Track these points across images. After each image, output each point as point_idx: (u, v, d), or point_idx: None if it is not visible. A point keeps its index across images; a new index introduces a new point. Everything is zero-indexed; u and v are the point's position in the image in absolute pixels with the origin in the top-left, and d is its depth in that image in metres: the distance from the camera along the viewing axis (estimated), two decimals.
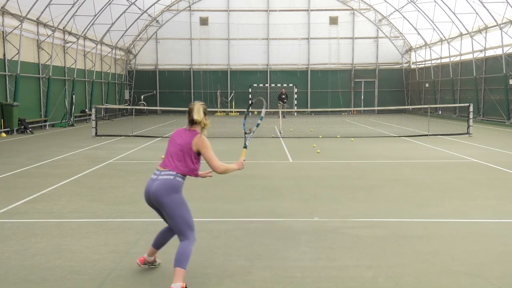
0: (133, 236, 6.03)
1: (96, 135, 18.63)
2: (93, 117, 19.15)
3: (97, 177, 10.15)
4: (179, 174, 4.40)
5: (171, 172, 4.37)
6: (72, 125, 25.09)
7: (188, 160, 4.42)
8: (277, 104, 32.06)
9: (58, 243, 5.74)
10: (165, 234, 4.78)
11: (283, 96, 31.84)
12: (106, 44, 31.87)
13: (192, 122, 4.53)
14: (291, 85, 37.20)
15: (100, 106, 24.09)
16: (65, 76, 26.10)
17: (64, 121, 24.75)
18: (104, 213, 7.18)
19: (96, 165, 11.79)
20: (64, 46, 26.15)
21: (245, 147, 4.90)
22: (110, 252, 5.41)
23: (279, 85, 37.14)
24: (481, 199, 8.06)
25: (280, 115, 24.02)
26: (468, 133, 18.61)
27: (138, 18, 33.36)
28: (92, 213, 7.18)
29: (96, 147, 15.63)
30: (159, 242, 4.80)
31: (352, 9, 36.91)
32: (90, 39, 29.06)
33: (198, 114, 4.48)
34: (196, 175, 4.57)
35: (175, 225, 4.36)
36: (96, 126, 18.89)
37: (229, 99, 37.04)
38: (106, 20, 28.84)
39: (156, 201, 4.34)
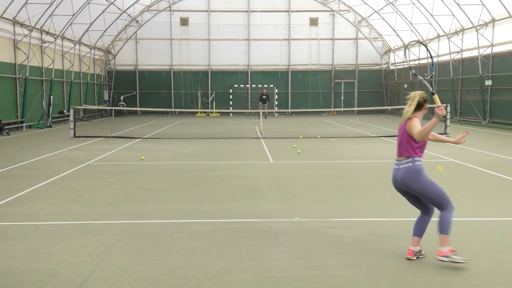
0: (112, 238, 5.97)
1: (75, 136, 18.38)
2: (71, 118, 18.88)
3: (75, 179, 10.02)
4: (415, 158, 4.96)
5: (408, 159, 4.97)
6: (50, 126, 24.71)
7: (411, 142, 4.97)
8: (258, 104, 32.16)
9: (35, 246, 5.65)
10: (423, 219, 5.15)
11: (264, 97, 31.95)
12: (85, 44, 31.48)
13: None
14: (272, 85, 37.30)
15: (79, 107, 23.80)
16: (42, 77, 25.68)
17: (42, 122, 24.36)
18: (82, 215, 7.09)
19: (75, 166, 11.63)
20: (41, 46, 25.73)
21: (433, 93, 5.24)
22: (88, 255, 5.34)
23: (260, 85, 37.21)
24: (458, 198, 8.18)
25: (261, 116, 24.07)
26: (445, 133, 18.91)
27: (117, 18, 33.03)
28: (70, 216, 7.08)
29: (74, 148, 15.43)
30: (422, 229, 5.13)
31: (332, 10, 37.19)
32: (68, 39, 28.66)
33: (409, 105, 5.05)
34: (422, 150, 5.06)
35: (432, 202, 4.96)
36: (74, 127, 18.64)
37: (210, 99, 36.95)
38: (84, 20, 28.48)
39: (407, 188, 5.00)
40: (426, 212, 5.15)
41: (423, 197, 4.99)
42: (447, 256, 4.83)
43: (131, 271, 4.87)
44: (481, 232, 6.23)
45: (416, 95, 5.12)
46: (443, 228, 4.88)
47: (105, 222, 6.71)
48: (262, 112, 27.06)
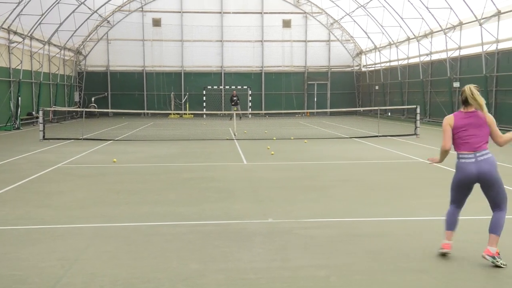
0: (83, 242, 5.87)
1: (44, 138, 17.98)
2: (40, 119, 18.48)
3: (44, 182, 9.80)
4: (489, 151, 5.08)
5: (487, 151, 5.05)
6: (18, 128, 24.10)
7: (487, 136, 5.10)
8: (230, 106, 32.20)
9: (2, 251, 5.50)
10: (456, 215, 5.32)
11: (235, 98, 32.03)
12: (54, 45, 30.82)
13: (467, 103, 5.16)
14: (245, 87, 37.33)
15: (48, 109, 23.28)
16: (10, 78, 25.03)
17: (9, 124, 23.74)
18: (52, 219, 6.94)
19: (44, 169, 11.38)
20: (8, 46, 25.06)
21: None
22: (58, 259, 5.23)
23: (233, 87, 37.20)
24: (427, 198, 8.38)
25: (234, 117, 24.05)
26: (415, 134, 19.29)
27: (88, 18, 32.47)
28: (39, 219, 6.92)
29: (44, 150, 15.09)
30: (455, 223, 5.30)
31: (305, 12, 37.48)
32: (37, 39, 28.00)
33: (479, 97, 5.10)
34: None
35: (498, 197, 5.03)
36: (43, 129, 18.24)
37: (183, 101, 36.71)
38: (54, 20, 27.87)
39: (489, 179, 4.99)
40: (461, 206, 5.35)
41: (496, 190, 5.03)
42: (493, 257, 4.91)
43: (102, 275, 4.79)
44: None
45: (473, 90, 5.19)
46: (495, 228, 5.00)
47: (75, 226, 6.59)
48: (236, 114, 27.04)
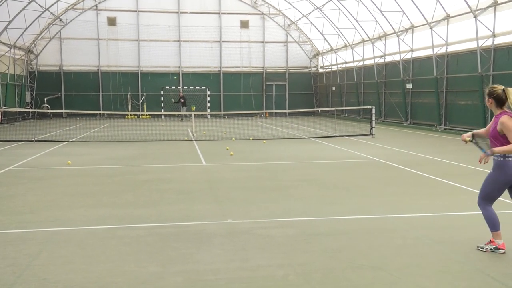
0: (35, 247, 5.67)
1: None
2: None
3: None
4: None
5: None
6: None
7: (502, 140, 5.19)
8: (180, 107, 32.11)
9: None
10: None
11: (182, 100, 31.93)
12: (3, 43, 29.61)
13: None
14: (204, 87, 37.14)
15: None
16: None
17: None
18: (1, 224, 6.67)
19: None
20: None
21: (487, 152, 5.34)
22: (9, 266, 5.03)
23: (191, 87, 36.93)
24: (382, 196, 8.60)
25: (179, 118, 23.68)
26: (371, 134, 19.77)
27: (39, 16, 31.38)
28: None
29: None
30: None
31: (262, 13, 37.68)
32: None
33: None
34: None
35: None
36: None
37: (140, 101, 36.11)
38: (3, 17, 26.80)
39: None
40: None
41: None
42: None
43: (56, 281, 4.65)
44: (405, 228, 6.56)
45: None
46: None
47: (27, 231, 6.36)
48: (179, 115, 26.78)
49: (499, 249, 5.37)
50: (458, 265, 5.10)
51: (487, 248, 5.43)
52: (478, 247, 5.52)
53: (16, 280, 4.66)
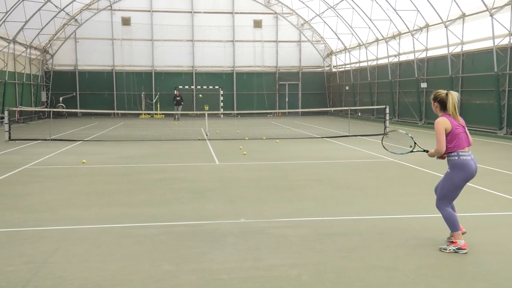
0: (51, 245, 5.74)
1: (10, 139, 17.50)
2: (6, 120, 17.97)
3: (11, 184, 9.54)
4: None
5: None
6: None
7: None
8: (174, 107, 32.22)
9: None
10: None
11: (178, 98, 32.02)
12: (20, 43, 30.01)
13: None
14: (217, 87, 37.24)
15: (14, 109, 22.65)
16: None
17: None
18: (18, 222, 6.76)
19: (10, 171, 11.08)
20: None
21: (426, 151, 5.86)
22: (25, 263, 5.11)
23: (205, 87, 37.05)
24: (396, 196, 8.54)
25: (174, 117, 23.75)
26: (384, 133, 19.63)
27: (54, 16, 31.75)
28: (5, 222, 6.74)
29: (10, 152, 14.68)
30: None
31: (276, 13, 37.64)
32: (2, 38, 27.22)
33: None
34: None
35: None
36: (9, 129, 17.76)
37: (154, 101, 36.33)
38: (19, 18, 27.16)
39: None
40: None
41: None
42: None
43: (71, 278, 4.71)
44: (419, 228, 6.50)
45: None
46: None
47: (43, 229, 6.44)
48: (175, 114, 26.80)
49: (462, 249, 5.36)
50: (473, 266, 5.04)
51: (450, 249, 5.38)
52: (440, 248, 5.48)
53: (32, 277, 4.73)
